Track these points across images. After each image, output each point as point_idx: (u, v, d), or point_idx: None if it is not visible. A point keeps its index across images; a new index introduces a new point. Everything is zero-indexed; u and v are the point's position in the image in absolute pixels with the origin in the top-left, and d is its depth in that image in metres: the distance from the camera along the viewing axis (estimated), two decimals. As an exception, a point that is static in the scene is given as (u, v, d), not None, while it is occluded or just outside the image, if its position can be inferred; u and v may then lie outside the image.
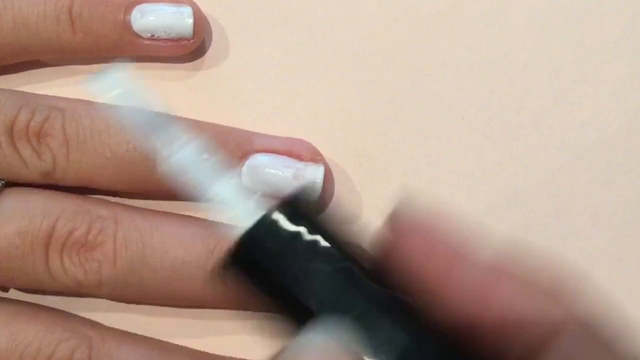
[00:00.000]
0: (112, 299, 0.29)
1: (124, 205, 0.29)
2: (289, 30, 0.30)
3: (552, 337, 0.17)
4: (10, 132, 0.27)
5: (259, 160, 0.28)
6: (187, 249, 0.28)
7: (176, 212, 0.29)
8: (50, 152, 0.27)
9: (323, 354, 0.16)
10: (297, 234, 0.18)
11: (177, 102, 0.30)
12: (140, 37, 0.29)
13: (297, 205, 0.19)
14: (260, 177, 0.28)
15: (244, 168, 0.28)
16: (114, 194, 0.30)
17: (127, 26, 0.28)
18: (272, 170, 0.28)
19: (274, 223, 0.18)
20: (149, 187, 0.29)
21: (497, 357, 0.17)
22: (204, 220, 0.29)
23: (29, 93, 0.29)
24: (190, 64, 0.30)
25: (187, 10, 0.29)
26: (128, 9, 0.28)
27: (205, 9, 0.30)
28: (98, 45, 0.29)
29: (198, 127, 0.29)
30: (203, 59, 0.30)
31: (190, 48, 0.29)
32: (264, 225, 0.18)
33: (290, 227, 0.18)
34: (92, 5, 0.28)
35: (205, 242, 0.28)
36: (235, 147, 0.28)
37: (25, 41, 0.28)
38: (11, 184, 0.28)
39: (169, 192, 0.29)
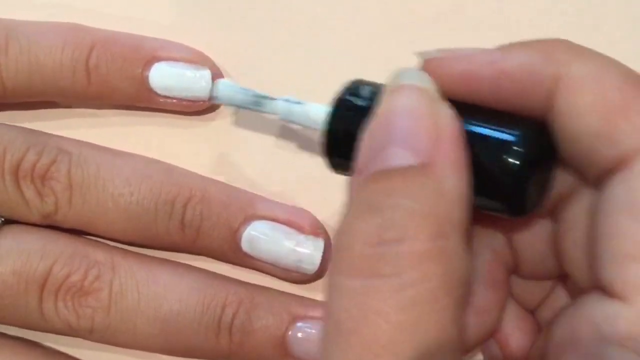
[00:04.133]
0: (103, 343, 0.29)
1: (122, 251, 0.29)
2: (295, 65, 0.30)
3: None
4: (16, 171, 0.27)
5: (260, 229, 0.28)
6: (182, 300, 0.27)
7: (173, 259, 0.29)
8: (53, 195, 0.27)
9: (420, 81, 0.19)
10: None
11: (187, 150, 0.30)
12: (156, 94, 0.28)
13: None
14: (260, 247, 0.28)
15: (245, 234, 0.28)
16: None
17: (144, 82, 0.28)
18: (272, 243, 0.28)
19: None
20: (147, 240, 0.29)
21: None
22: (201, 271, 0.29)
23: (39, 132, 0.29)
24: (205, 115, 0.30)
25: (206, 74, 0.28)
26: (146, 66, 0.28)
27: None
28: (112, 97, 0.29)
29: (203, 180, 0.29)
30: (217, 111, 0.30)
31: (206, 106, 0.29)
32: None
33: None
34: (110, 58, 0.28)
35: (202, 294, 0.28)
36: (237, 210, 0.28)
37: (39, 87, 0.28)
38: (11, 221, 0.28)
39: (167, 247, 0.29)
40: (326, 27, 0.30)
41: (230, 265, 0.29)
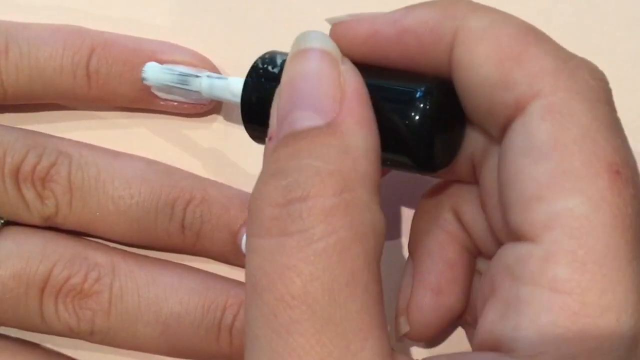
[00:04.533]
0: (104, 345, 0.29)
1: (122, 253, 0.29)
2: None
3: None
4: (16, 173, 0.27)
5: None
6: (183, 303, 0.27)
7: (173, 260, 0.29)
8: (54, 198, 0.27)
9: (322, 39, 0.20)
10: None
11: (188, 152, 0.30)
12: (157, 97, 0.28)
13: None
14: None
15: (245, 236, 0.27)
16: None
17: (144, 86, 0.28)
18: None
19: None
20: (148, 242, 0.29)
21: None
22: (201, 273, 0.29)
23: (39, 134, 0.29)
24: (206, 117, 0.30)
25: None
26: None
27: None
28: (113, 100, 0.29)
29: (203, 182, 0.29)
30: (217, 113, 0.30)
31: (206, 109, 0.29)
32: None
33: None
34: (110, 62, 0.28)
35: (202, 297, 0.28)
36: (237, 212, 0.28)
37: (39, 90, 0.28)
38: (11, 222, 0.28)
39: (168, 248, 0.29)
40: (326, 28, 0.30)
41: (231, 266, 0.29)
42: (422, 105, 0.19)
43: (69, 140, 0.29)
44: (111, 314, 0.27)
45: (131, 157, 0.29)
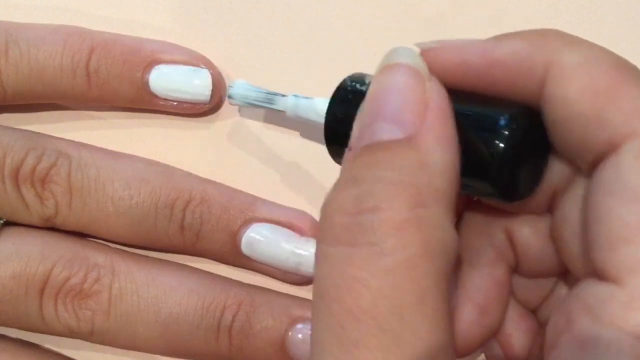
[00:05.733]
0: (103, 345, 0.29)
1: (122, 254, 0.29)
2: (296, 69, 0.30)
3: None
4: (16, 174, 0.27)
5: (259, 231, 0.28)
6: (182, 303, 0.27)
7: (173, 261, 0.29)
8: (53, 199, 0.27)
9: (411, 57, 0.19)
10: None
11: (187, 153, 0.30)
12: (157, 96, 0.28)
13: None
14: (260, 249, 0.28)
15: (245, 236, 0.28)
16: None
17: (144, 85, 0.28)
18: (272, 245, 0.28)
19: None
20: (147, 243, 0.29)
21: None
22: (201, 273, 0.29)
23: (39, 134, 0.29)
24: (205, 117, 0.30)
25: (206, 75, 0.28)
26: (146, 69, 0.28)
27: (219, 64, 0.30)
28: (112, 100, 0.29)
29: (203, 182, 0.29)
30: (217, 113, 0.30)
31: (207, 109, 0.29)
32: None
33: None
34: (110, 62, 0.28)
35: (201, 297, 0.28)
36: (237, 213, 0.28)
37: (39, 91, 0.28)
38: (11, 223, 0.28)
39: (167, 249, 0.29)
40: (326, 28, 0.30)
41: (230, 266, 0.29)
42: (509, 132, 0.19)
43: (69, 141, 0.29)
44: (111, 314, 0.27)
45: (131, 157, 0.29)
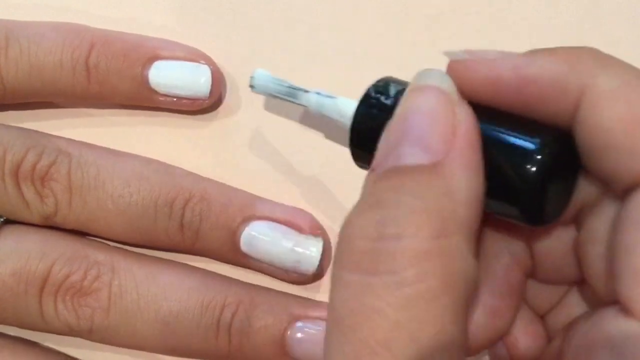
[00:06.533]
0: (103, 343, 0.29)
1: (121, 252, 0.29)
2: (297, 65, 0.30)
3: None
4: (16, 172, 0.27)
5: (258, 229, 0.28)
6: (182, 301, 0.27)
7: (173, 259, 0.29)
8: (53, 197, 0.27)
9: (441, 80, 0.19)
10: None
11: (187, 151, 0.30)
12: (156, 92, 0.28)
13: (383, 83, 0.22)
14: (259, 247, 0.28)
15: (244, 234, 0.28)
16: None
17: (144, 81, 0.28)
18: (271, 243, 0.28)
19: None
20: (147, 241, 0.29)
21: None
22: (200, 271, 0.29)
23: (39, 133, 0.29)
24: (205, 115, 0.30)
25: (205, 71, 0.28)
26: (146, 64, 0.28)
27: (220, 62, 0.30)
28: (113, 96, 0.29)
29: (202, 181, 0.29)
30: (217, 111, 0.30)
31: (206, 105, 0.29)
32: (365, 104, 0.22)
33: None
34: (110, 57, 0.28)
35: (201, 295, 0.28)
36: (236, 211, 0.28)
37: (39, 87, 0.28)
38: (11, 221, 0.28)
39: (167, 247, 0.29)
40: (326, 27, 0.30)
41: (230, 265, 0.29)
42: (541, 158, 0.18)
43: (69, 139, 0.29)
44: (110, 312, 0.27)
45: (131, 156, 0.29)
